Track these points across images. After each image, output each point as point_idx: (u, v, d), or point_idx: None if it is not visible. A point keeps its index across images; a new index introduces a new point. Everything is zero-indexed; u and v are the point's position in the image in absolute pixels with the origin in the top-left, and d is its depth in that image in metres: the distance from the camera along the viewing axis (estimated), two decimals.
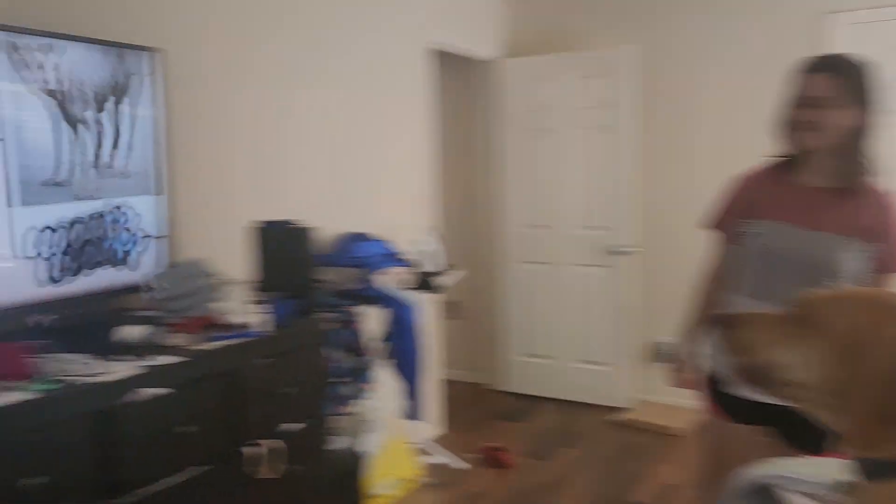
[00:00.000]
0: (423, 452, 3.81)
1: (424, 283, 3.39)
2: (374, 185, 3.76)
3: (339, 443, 2.76)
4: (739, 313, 1.37)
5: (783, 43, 4.07)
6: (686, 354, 2.28)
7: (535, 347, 4.94)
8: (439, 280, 3.51)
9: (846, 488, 1.11)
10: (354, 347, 2.82)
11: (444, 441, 4.13)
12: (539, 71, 4.73)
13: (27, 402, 1.65)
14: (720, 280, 2.22)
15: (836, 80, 1.95)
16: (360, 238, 3.37)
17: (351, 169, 3.60)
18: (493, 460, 3.87)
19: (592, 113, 4.60)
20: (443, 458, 3.87)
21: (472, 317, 5.21)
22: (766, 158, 2.17)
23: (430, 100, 4.22)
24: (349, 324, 2.81)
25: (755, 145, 2.35)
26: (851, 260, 1.98)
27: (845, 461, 1.10)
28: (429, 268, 3.63)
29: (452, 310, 5.22)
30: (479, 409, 4.81)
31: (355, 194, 3.63)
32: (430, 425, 4.13)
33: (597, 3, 4.71)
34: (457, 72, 5.02)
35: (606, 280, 4.66)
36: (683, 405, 3.79)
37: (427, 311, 3.82)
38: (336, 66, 3.47)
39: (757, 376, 1.18)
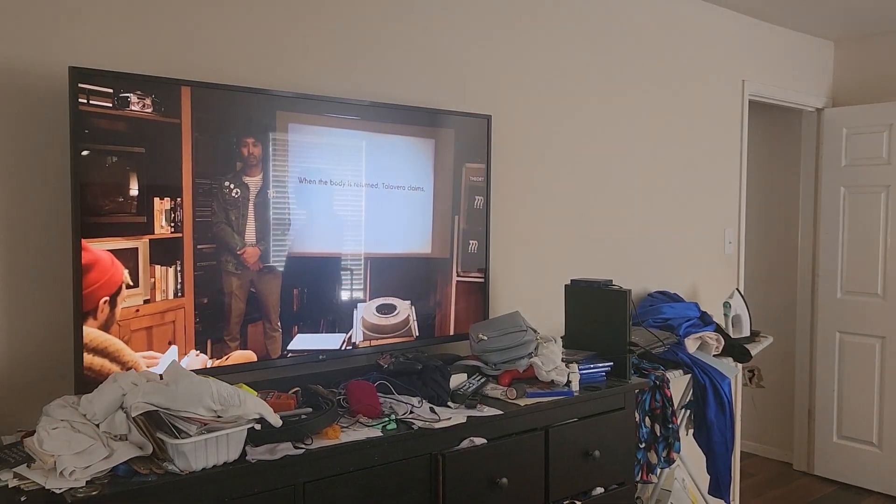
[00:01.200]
0: None
1: (731, 348, 3.15)
2: (678, 241, 3.63)
3: None
4: None
5: None
6: None
7: (854, 430, 4.36)
8: (745, 346, 3.25)
9: None
10: (661, 414, 2.71)
11: None
12: (871, 121, 4.25)
13: (376, 438, 1.83)
14: None
15: None
16: (667, 298, 3.25)
17: (656, 224, 3.51)
18: None
19: None
20: None
21: (775, 387, 4.76)
22: None
23: (745, 153, 3.99)
24: (657, 388, 2.71)
25: None
26: None
27: None
28: (734, 333, 3.39)
29: (751, 377, 4.81)
30: (783, 491, 4.34)
31: (658, 251, 3.53)
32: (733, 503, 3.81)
33: None
34: (773, 122, 4.73)
35: None
36: None
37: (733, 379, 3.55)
38: (646, 122, 3.43)
39: None
